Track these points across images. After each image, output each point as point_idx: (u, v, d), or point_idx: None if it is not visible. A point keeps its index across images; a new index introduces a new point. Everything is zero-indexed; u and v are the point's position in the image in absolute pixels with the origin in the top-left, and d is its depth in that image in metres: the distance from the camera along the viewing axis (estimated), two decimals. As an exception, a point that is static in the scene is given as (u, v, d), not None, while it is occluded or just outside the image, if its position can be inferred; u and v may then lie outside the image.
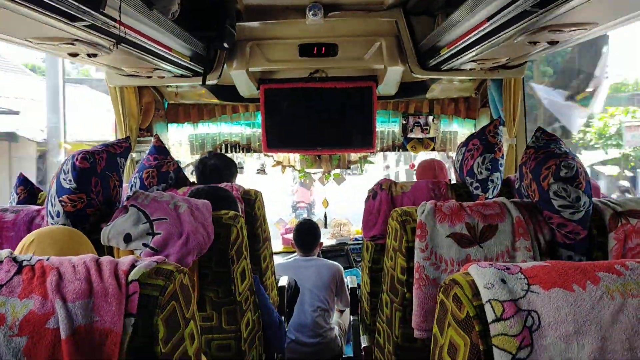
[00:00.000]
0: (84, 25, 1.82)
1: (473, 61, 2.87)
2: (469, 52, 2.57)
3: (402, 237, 1.83)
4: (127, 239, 1.74)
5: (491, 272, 1.00)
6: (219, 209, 2.01)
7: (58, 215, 1.77)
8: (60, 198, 1.76)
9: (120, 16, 1.85)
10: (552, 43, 2.27)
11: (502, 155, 2.57)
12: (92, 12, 1.71)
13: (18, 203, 2.50)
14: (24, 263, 1.11)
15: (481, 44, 2.37)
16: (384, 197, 2.60)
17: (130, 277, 1.10)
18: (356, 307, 3.26)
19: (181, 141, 4.80)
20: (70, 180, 1.75)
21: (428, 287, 1.74)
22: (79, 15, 1.71)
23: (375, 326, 2.38)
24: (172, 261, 1.72)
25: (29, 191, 2.56)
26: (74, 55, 2.27)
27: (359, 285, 3.44)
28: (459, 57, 2.74)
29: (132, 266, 1.14)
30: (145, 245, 1.74)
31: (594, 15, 1.89)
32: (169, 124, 4.63)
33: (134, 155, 3.99)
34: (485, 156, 2.54)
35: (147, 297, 1.10)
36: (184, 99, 4.55)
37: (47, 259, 1.13)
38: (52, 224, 1.79)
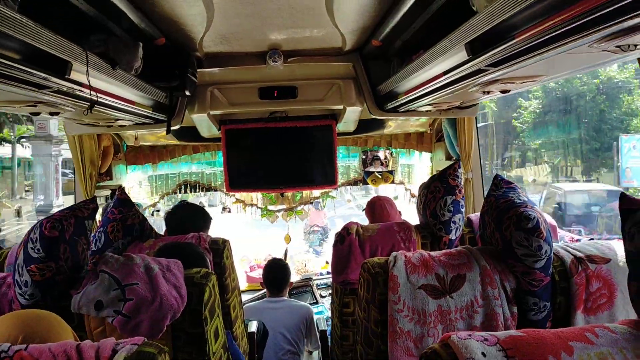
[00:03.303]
0: (50, 92, 1.81)
1: (429, 104, 2.98)
2: (425, 98, 2.67)
3: (375, 289, 1.86)
4: (99, 306, 1.71)
5: (471, 344, 1.04)
6: (188, 266, 2.00)
7: (26, 285, 1.73)
8: (29, 268, 1.72)
9: (89, 81, 1.85)
10: (504, 92, 2.39)
11: (463, 197, 2.66)
12: (58, 80, 1.71)
13: None
14: (2, 355, 1.08)
15: (437, 93, 2.47)
16: (352, 241, 2.64)
17: None
18: (327, 350, 3.26)
19: (141, 182, 4.74)
20: (38, 250, 1.71)
21: (403, 340, 1.78)
22: (44, 84, 1.71)
23: None
24: (145, 327, 1.72)
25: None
26: (35, 114, 2.24)
27: (328, 323, 3.45)
28: (416, 102, 2.83)
29: (114, 351, 1.13)
30: (117, 312, 1.71)
31: (543, 69, 2.00)
32: (129, 166, 4.58)
33: (94, 201, 3.91)
34: (447, 198, 2.62)
35: None
36: (144, 141, 4.51)
37: (26, 349, 1.11)
38: (19, 293, 1.75)
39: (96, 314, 1.72)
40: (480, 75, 1.98)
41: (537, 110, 21.90)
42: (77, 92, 1.92)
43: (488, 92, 2.39)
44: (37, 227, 1.75)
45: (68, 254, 1.79)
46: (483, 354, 1.02)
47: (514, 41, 1.53)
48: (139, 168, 4.63)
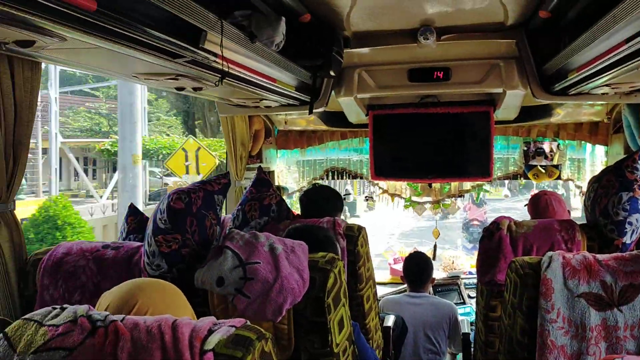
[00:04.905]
0: (185, 62, 1.80)
1: (606, 85, 2.54)
2: (601, 76, 2.26)
3: (523, 293, 1.58)
4: (220, 283, 1.66)
5: None
6: (316, 250, 1.88)
7: (154, 255, 1.74)
8: (156, 238, 1.73)
9: (222, 51, 1.81)
10: None
11: None
12: (192, 48, 1.68)
13: (127, 233, 2.56)
14: (98, 324, 1.04)
15: (617, 68, 2.06)
16: (501, 238, 2.34)
17: (205, 346, 1.00)
18: (468, 356, 2.98)
19: (290, 167, 4.81)
20: (165, 221, 1.72)
21: (554, 355, 1.48)
22: (178, 52, 1.69)
23: None
24: (264, 309, 1.63)
25: (138, 221, 2.61)
26: (180, 89, 2.28)
27: (472, 328, 3.16)
28: (590, 81, 2.42)
29: (210, 331, 1.03)
30: (237, 290, 1.65)
31: None
32: (279, 151, 4.65)
33: (243, 182, 4.02)
34: (622, 195, 2.20)
35: None
36: (293, 126, 4.55)
37: (122, 320, 1.05)
38: (147, 263, 1.77)
39: (217, 290, 1.67)
40: None
41: None
42: (213, 64, 1.89)
43: None
44: (165, 198, 1.75)
45: (195, 227, 1.77)
46: None
47: None
48: (289, 153, 4.68)
